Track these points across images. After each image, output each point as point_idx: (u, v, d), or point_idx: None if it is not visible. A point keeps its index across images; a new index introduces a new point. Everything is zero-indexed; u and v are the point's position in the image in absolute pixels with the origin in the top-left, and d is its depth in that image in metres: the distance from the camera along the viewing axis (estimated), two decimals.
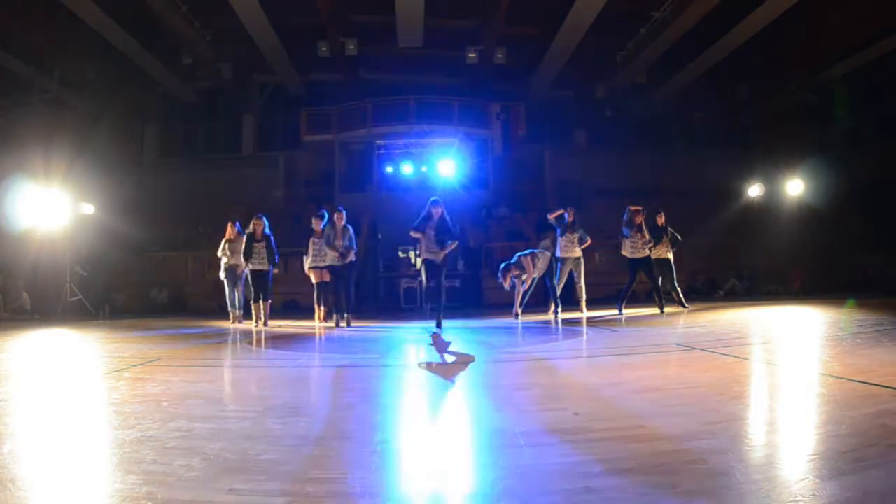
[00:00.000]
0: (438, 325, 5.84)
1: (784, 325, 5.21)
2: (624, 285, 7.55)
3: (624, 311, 7.13)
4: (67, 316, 9.76)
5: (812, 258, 12.20)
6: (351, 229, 6.88)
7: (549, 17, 13.97)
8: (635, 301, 9.31)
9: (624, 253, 7.43)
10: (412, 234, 6.00)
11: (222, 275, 7.66)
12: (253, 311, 7.09)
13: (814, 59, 15.36)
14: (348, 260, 6.79)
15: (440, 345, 4.52)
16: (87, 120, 15.41)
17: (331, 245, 6.71)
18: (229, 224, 7.70)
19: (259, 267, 7.01)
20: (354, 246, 6.94)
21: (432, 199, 6.09)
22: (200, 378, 3.16)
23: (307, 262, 7.02)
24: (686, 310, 7.40)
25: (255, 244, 6.99)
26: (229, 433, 1.81)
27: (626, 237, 7.30)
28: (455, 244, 6.09)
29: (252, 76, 17.07)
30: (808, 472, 1.31)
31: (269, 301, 7.17)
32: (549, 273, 7.26)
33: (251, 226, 7.12)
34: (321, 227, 6.95)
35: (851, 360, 2.86)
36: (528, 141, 16.75)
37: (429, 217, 5.97)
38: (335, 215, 6.81)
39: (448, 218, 6.02)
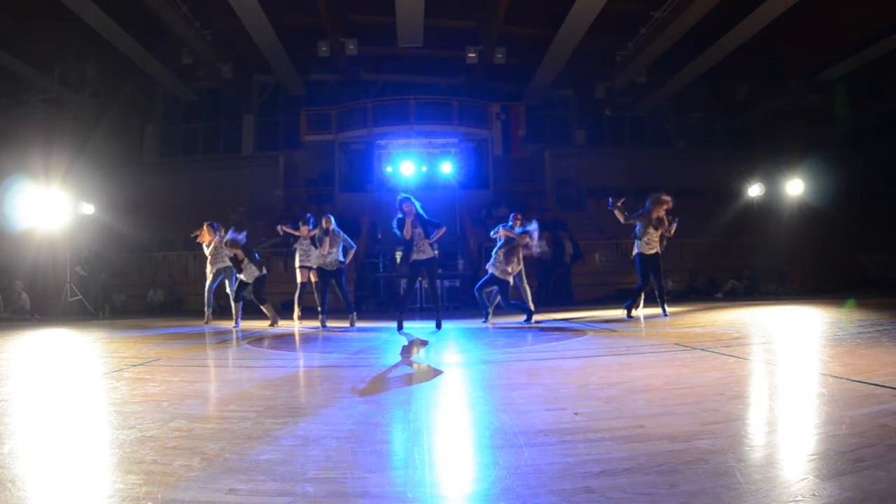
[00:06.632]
0: (438, 326, 5.84)
1: (784, 325, 5.21)
2: (638, 285, 7.19)
3: (621, 310, 7.06)
4: (67, 316, 9.76)
5: (812, 258, 12.21)
6: (342, 233, 6.89)
7: (549, 17, 13.98)
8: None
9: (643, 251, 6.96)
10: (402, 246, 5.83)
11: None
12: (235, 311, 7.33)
13: (814, 59, 15.36)
14: (344, 260, 6.83)
15: (439, 345, 4.52)
16: (87, 120, 15.42)
17: (318, 246, 6.76)
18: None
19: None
20: (353, 244, 7.04)
21: (401, 196, 5.82)
22: (200, 378, 3.16)
23: (296, 262, 7.37)
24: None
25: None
26: (229, 433, 1.81)
27: (638, 235, 6.96)
28: (443, 228, 5.82)
29: (252, 76, 17.08)
30: (808, 472, 1.31)
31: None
32: (504, 293, 6.48)
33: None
34: (308, 229, 7.14)
35: (851, 360, 2.86)
36: (528, 141, 16.75)
37: (404, 219, 5.68)
38: (323, 219, 6.84)
39: (423, 212, 5.79)
